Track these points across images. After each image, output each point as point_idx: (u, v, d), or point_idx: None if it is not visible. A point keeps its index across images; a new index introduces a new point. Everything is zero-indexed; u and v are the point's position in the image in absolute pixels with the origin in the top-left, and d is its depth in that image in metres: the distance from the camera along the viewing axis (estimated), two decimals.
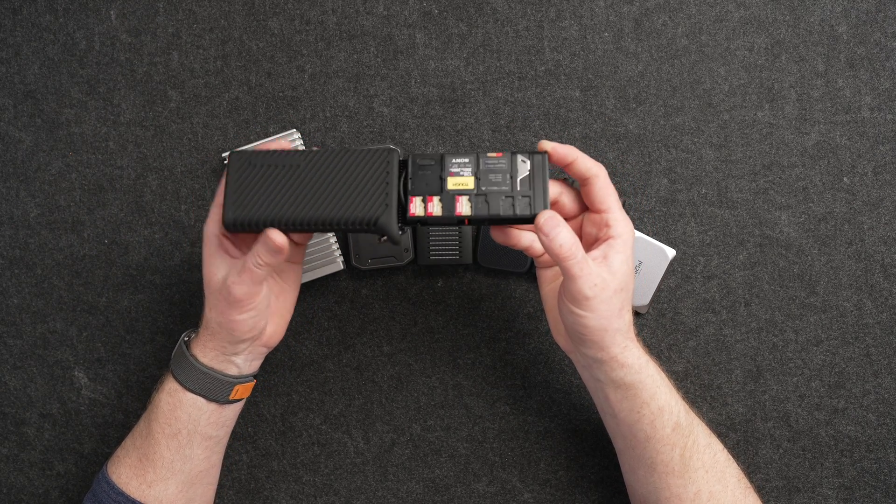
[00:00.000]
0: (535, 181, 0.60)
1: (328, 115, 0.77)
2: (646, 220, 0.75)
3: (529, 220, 0.59)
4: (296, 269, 0.68)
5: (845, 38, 0.75)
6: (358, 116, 0.77)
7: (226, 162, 0.62)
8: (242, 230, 0.60)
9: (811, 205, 0.75)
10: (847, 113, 0.75)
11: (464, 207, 0.60)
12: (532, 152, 0.60)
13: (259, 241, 0.59)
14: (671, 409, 0.61)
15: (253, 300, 0.61)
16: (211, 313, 0.63)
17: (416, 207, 0.60)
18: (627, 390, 0.61)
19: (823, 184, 0.75)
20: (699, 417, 0.64)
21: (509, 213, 0.59)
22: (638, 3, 0.75)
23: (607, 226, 0.60)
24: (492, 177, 0.60)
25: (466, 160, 0.60)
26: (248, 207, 0.60)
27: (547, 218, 0.58)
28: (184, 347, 0.65)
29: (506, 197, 0.59)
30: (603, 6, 0.76)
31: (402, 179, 0.60)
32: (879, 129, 0.74)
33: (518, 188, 0.60)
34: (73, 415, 0.78)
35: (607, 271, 0.59)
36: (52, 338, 0.78)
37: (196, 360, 0.64)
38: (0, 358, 0.78)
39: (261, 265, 0.59)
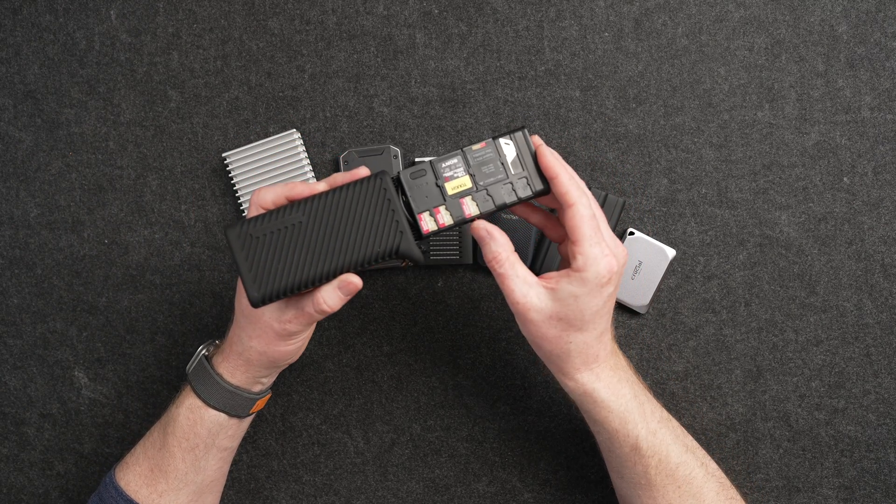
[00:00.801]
0: (525, 159, 0.61)
1: (328, 115, 0.77)
2: (646, 220, 0.75)
3: (533, 198, 0.61)
4: None
5: (845, 38, 0.75)
6: (358, 116, 0.77)
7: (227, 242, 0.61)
8: (271, 301, 0.59)
9: (811, 205, 0.75)
10: (847, 113, 0.75)
11: (470, 208, 0.61)
12: (512, 131, 0.61)
13: (326, 289, 0.59)
14: (627, 432, 0.61)
15: (304, 333, 0.62)
16: (252, 342, 0.62)
17: (428, 223, 0.61)
18: (580, 406, 0.63)
19: (823, 184, 0.75)
20: (674, 431, 0.63)
21: (513, 198, 0.61)
22: (638, 3, 0.76)
23: (572, 258, 0.59)
24: (484, 169, 0.61)
25: (455, 160, 0.61)
26: (270, 280, 0.59)
27: (475, 227, 0.61)
28: (206, 364, 0.64)
29: (504, 184, 0.61)
30: (603, 6, 0.76)
31: (402, 198, 0.61)
32: (879, 129, 0.74)
33: (512, 171, 0.61)
34: (73, 415, 0.78)
35: (546, 295, 0.59)
36: (52, 338, 0.78)
37: (222, 379, 0.64)
38: (0, 358, 0.78)
39: (325, 312, 0.59)
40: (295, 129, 0.76)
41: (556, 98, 0.76)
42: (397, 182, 0.61)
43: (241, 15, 0.77)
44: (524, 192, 0.61)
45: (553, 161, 0.59)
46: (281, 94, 0.77)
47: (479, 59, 0.76)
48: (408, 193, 0.61)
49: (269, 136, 0.77)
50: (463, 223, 0.61)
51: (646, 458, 0.61)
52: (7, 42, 0.78)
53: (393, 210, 0.59)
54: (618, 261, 0.59)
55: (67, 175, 0.78)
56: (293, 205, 0.60)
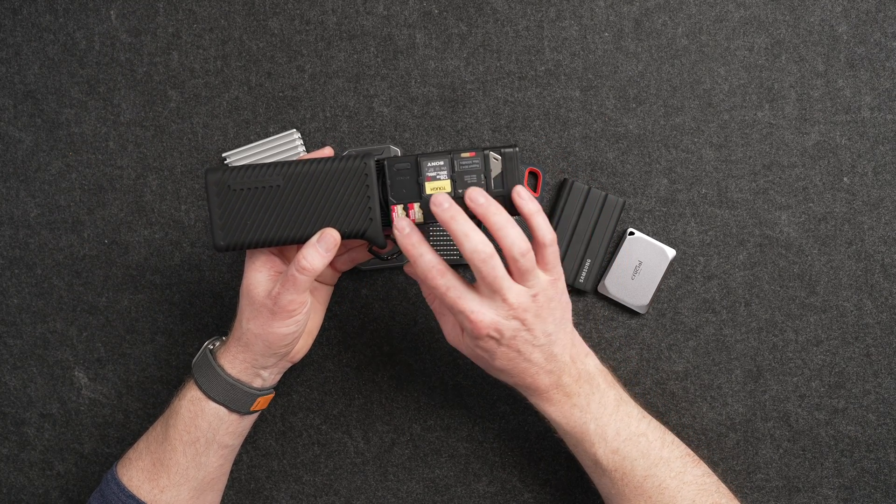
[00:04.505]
0: (507, 178, 0.61)
1: (328, 115, 0.77)
2: (646, 220, 0.75)
3: None
4: (327, 290, 0.70)
5: (845, 38, 0.75)
6: (358, 116, 0.77)
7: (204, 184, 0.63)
8: (234, 250, 0.62)
9: (811, 205, 0.75)
10: (847, 113, 0.75)
11: None
12: (503, 146, 0.61)
13: (306, 247, 0.60)
14: (584, 450, 0.63)
15: (297, 311, 0.62)
16: (249, 324, 0.63)
17: (399, 216, 0.62)
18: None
19: (823, 184, 0.75)
20: (645, 447, 0.63)
21: None
22: (638, 3, 0.76)
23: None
24: (467, 178, 0.61)
25: (441, 163, 0.61)
26: (237, 232, 0.61)
27: (409, 268, 0.64)
28: (209, 357, 0.65)
29: None
30: (603, 6, 0.76)
31: (381, 184, 0.61)
32: (879, 129, 0.74)
33: (493, 187, 0.61)
34: (73, 415, 0.78)
35: (462, 336, 0.63)
36: (52, 338, 0.78)
37: (223, 370, 0.64)
38: (0, 358, 0.78)
39: (305, 270, 0.60)
40: (295, 129, 0.76)
41: (556, 98, 0.76)
42: (380, 168, 0.62)
43: (241, 15, 0.77)
44: None
45: (404, 245, 0.60)
46: (281, 94, 0.77)
47: (479, 59, 0.76)
48: (388, 182, 0.61)
49: (269, 136, 0.77)
50: (433, 224, 0.62)
51: (608, 472, 0.63)
52: (7, 42, 0.78)
53: (369, 196, 0.61)
54: (486, 318, 0.59)
55: (67, 175, 0.78)
56: (276, 165, 0.61)
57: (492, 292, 0.59)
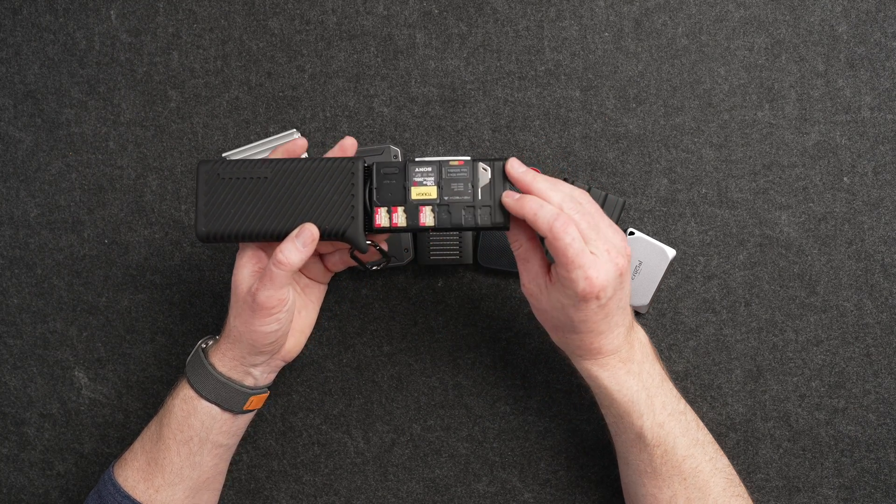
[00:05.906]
0: (496, 189, 0.61)
1: (328, 115, 0.77)
2: (646, 220, 0.75)
3: (490, 229, 0.61)
4: (320, 289, 0.69)
5: (845, 38, 0.75)
6: (358, 116, 0.77)
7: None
8: (214, 241, 0.62)
9: (811, 205, 0.75)
10: (847, 113, 0.75)
11: (427, 218, 0.61)
12: (493, 159, 0.61)
13: (284, 243, 0.60)
14: (631, 421, 0.62)
15: (277, 308, 0.61)
16: (235, 321, 0.63)
17: (382, 218, 0.62)
18: (589, 386, 0.64)
19: (823, 184, 0.75)
20: (686, 425, 0.63)
21: (471, 223, 0.61)
22: (638, 3, 0.76)
23: (555, 270, 0.59)
24: (454, 186, 0.61)
25: (429, 169, 0.61)
26: (220, 222, 0.61)
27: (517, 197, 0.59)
28: (201, 355, 0.65)
29: (467, 207, 0.61)
30: (603, 6, 0.76)
31: (368, 188, 0.62)
32: (879, 129, 0.74)
33: (479, 197, 0.61)
34: (73, 415, 0.78)
35: (545, 289, 0.60)
36: (52, 338, 0.78)
37: (214, 368, 0.64)
38: (0, 358, 0.78)
39: (281, 264, 0.59)
40: (295, 130, 0.76)
41: (556, 98, 0.76)
42: (368, 171, 0.62)
43: (241, 15, 0.77)
44: (483, 222, 0.61)
45: (517, 205, 0.58)
46: (281, 94, 0.77)
47: (479, 59, 0.76)
48: (374, 185, 0.62)
49: (269, 136, 0.77)
50: (416, 230, 0.62)
51: (650, 447, 0.61)
52: (7, 42, 0.78)
53: (353, 195, 0.61)
54: (601, 276, 0.56)
55: (67, 175, 0.78)
56: (268, 160, 0.62)
57: (577, 254, 0.56)
